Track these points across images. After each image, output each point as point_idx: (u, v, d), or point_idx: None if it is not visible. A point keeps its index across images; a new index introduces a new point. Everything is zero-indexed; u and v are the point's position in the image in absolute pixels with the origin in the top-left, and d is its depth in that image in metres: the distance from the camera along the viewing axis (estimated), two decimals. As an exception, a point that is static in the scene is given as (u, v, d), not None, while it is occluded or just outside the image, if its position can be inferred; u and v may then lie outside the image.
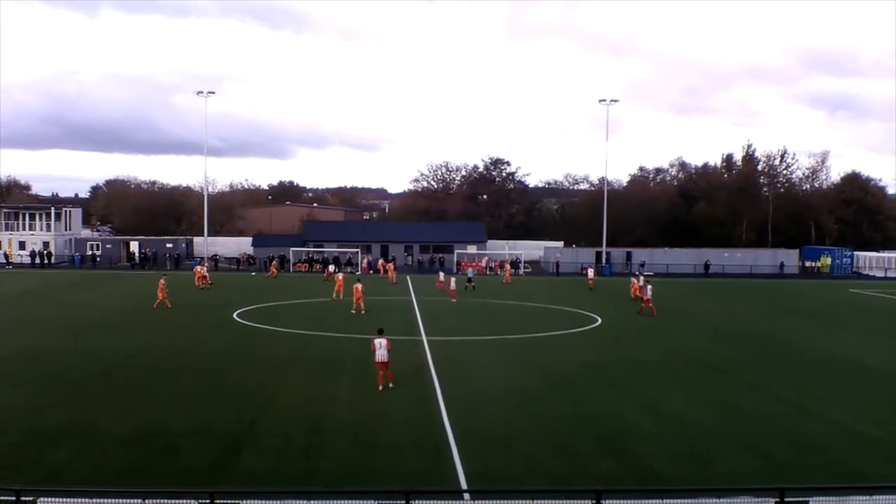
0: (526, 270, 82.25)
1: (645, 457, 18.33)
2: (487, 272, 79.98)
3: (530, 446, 19.00)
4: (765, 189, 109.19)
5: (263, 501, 12.19)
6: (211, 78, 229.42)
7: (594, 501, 11.49)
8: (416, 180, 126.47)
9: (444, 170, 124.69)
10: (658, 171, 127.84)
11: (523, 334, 37.20)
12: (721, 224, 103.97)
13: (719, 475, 17.03)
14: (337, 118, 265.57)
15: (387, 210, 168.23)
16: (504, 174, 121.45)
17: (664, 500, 12.88)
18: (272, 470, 16.88)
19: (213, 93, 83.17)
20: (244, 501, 12.09)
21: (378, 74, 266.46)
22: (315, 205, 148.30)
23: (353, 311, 43.36)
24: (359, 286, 44.54)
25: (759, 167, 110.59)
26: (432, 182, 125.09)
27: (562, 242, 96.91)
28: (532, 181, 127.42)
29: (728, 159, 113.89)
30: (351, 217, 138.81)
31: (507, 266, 72.78)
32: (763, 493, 12.58)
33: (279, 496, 12.36)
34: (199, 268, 62.23)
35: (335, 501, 12.15)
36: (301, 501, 12.06)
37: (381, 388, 24.45)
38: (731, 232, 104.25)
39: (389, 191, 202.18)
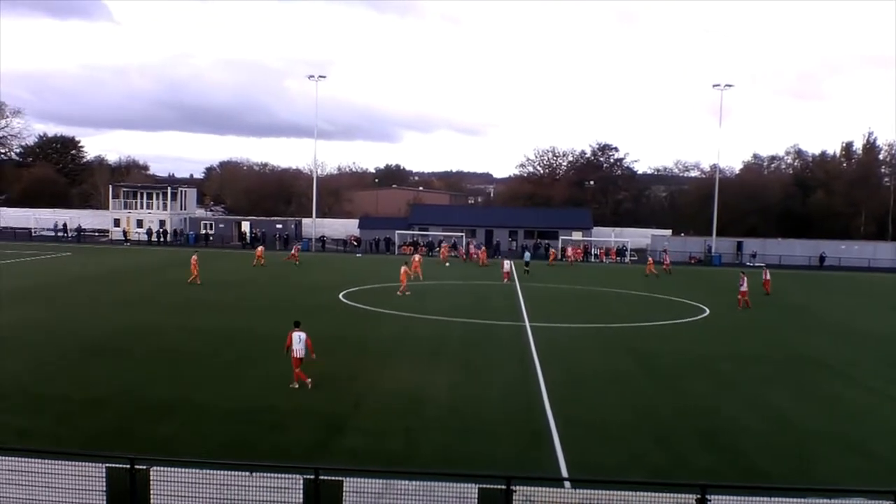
0: (632, 258, 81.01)
1: (748, 453, 17.80)
2: (592, 259, 79.15)
3: (631, 437, 18.70)
4: (886, 179, 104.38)
5: (365, 479, 12.31)
6: (320, 62, 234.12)
7: (699, 496, 11.19)
8: (522, 165, 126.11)
9: (550, 155, 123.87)
10: (772, 158, 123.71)
11: (628, 323, 36.64)
12: (838, 215, 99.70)
13: (824, 475, 16.41)
14: (443, 102, 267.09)
15: (492, 195, 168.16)
16: (612, 160, 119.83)
17: (772, 499, 12.46)
18: (373, 450, 17.08)
19: (323, 77, 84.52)
20: (347, 479, 12.26)
21: (484, 58, 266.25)
22: (421, 188, 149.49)
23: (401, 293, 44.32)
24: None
25: (881, 156, 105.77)
26: (538, 167, 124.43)
27: (670, 231, 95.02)
28: (640, 167, 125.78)
29: (847, 148, 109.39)
30: (456, 201, 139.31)
31: (650, 259, 66.83)
32: (877, 495, 12.03)
33: (380, 475, 12.48)
34: (260, 248, 63.11)
35: (435, 483, 12.17)
36: (402, 481, 12.16)
37: (296, 384, 22.31)
38: (849, 224, 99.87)
39: (495, 175, 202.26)
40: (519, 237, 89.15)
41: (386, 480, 12.26)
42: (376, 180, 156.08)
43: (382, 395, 22.07)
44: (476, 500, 11.93)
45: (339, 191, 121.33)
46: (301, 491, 12.25)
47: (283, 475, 12.44)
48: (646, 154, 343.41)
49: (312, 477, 12.14)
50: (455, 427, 19.10)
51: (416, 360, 26.63)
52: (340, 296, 42.89)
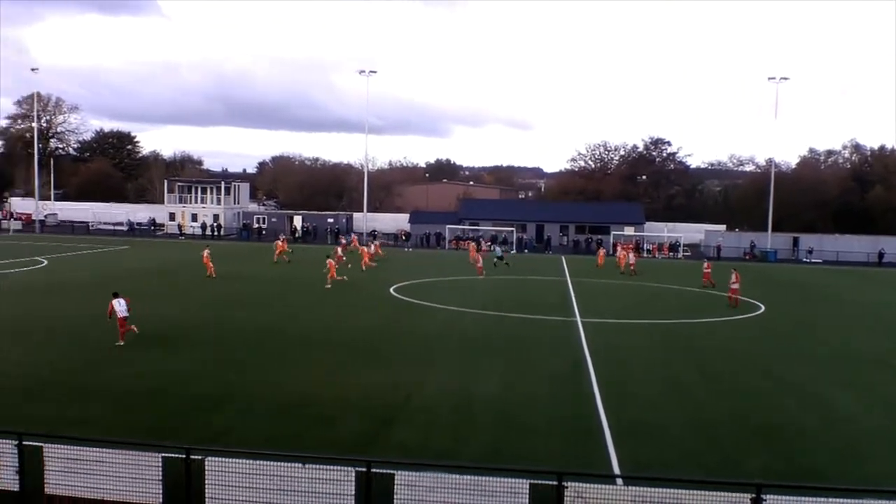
0: (685, 254, 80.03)
1: (803, 453, 17.47)
2: (645, 255, 78.35)
3: (684, 435, 18.47)
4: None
5: (416, 473, 12.33)
6: (370, 57, 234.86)
7: (754, 496, 11.00)
8: (573, 160, 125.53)
9: (601, 149, 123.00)
10: (829, 153, 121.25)
11: (682, 319, 36.21)
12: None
13: (882, 475, 16.05)
14: (493, 96, 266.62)
15: (542, 189, 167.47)
16: (664, 154, 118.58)
17: (828, 499, 12.20)
18: (422, 444, 17.11)
19: (374, 72, 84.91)
20: (398, 472, 12.29)
21: (534, 51, 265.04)
22: (471, 183, 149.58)
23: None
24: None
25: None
26: (589, 161, 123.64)
27: (724, 226, 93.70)
28: (693, 162, 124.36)
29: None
30: (506, 196, 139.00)
31: (707, 265, 63.95)
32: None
33: (432, 469, 12.48)
34: (279, 241, 60.12)
35: (485, 477, 12.14)
36: (453, 475, 12.14)
37: (121, 343, 26.42)
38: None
39: (545, 170, 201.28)
40: (570, 232, 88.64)
41: (437, 474, 12.24)
42: (427, 175, 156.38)
43: (432, 389, 22.10)
44: (527, 496, 11.88)
45: (389, 185, 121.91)
46: (353, 483, 12.32)
47: (335, 467, 12.49)
48: (699, 148, 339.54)
49: (364, 469, 12.20)
50: (505, 422, 19.04)
51: (465, 355, 26.61)
52: (391, 290, 43.06)
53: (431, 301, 39.05)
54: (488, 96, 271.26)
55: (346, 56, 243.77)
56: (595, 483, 12.05)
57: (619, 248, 71.99)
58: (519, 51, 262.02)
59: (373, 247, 62.60)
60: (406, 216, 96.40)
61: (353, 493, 12.30)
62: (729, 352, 28.63)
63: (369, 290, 43.31)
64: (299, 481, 12.46)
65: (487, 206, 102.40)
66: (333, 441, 16.95)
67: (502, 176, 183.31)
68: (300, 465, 12.55)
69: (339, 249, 56.55)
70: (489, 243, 76.40)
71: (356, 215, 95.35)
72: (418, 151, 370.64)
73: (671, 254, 79.85)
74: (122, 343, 26.52)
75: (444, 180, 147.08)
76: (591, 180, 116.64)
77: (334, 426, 18.43)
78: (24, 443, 13.19)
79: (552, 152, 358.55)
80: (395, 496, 12.20)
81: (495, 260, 58.81)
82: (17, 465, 13.12)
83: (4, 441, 13.29)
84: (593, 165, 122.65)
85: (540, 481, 11.86)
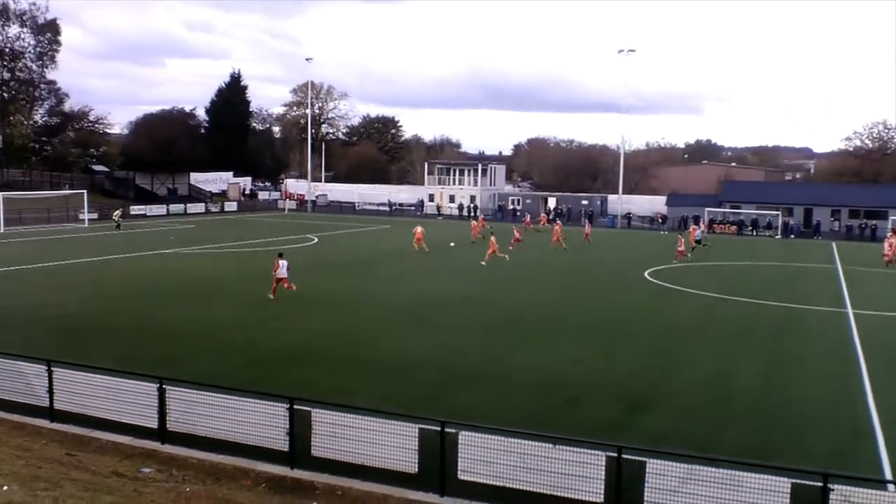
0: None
1: None
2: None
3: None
4: None
5: (668, 463, 12.03)
6: (625, 36, 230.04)
7: None
8: (848, 139, 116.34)
9: (881, 127, 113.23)
10: None
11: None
12: None
13: None
14: (756, 72, 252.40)
15: (811, 171, 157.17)
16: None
17: None
18: (675, 432, 16.67)
19: (633, 51, 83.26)
20: (650, 460, 12.07)
21: (800, 23, 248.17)
22: (733, 164, 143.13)
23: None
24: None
25: None
26: (866, 141, 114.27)
27: None
28: None
29: None
30: (771, 177, 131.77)
31: None
32: None
33: (685, 460, 12.14)
34: (417, 228, 54.55)
35: (743, 473, 11.62)
36: (707, 468, 11.75)
37: (272, 296, 30.94)
38: None
39: (815, 150, 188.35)
40: (842, 216, 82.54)
41: (690, 466, 11.89)
42: (685, 156, 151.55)
43: (685, 376, 21.51)
44: (787, 496, 11.27)
45: (645, 167, 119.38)
46: (602, 468, 12.26)
47: (585, 450, 12.48)
48: None
49: (615, 455, 12.09)
50: (764, 416, 18.14)
51: (721, 343, 25.59)
52: (646, 274, 42.23)
53: (687, 286, 37.85)
54: (751, 72, 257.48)
55: (603, 35, 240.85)
56: (864, 488, 11.21)
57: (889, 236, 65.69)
58: (783, 23, 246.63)
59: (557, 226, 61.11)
60: (662, 198, 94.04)
61: (603, 477, 12.23)
62: None
63: (623, 273, 42.78)
64: (548, 461, 12.57)
65: (750, 188, 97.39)
66: (584, 424, 16.90)
67: (766, 156, 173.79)
68: (550, 445, 12.65)
69: (516, 231, 55.79)
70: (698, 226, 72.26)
71: (611, 197, 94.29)
72: (677, 132, 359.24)
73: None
74: (272, 297, 30.87)
75: (704, 161, 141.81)
76: (868, 161, 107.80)
77: (585, 408, 18.42)
78: (295, 407, 14.28)
79: (823, 131, 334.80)
80: (645, 484, 12.01)
81: (693, 244, 55.41)
82: (287, 427, 14.23)
83: (277, 404, 14.45)
84: (871, 145, 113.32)
85: (802, 481, 11.21)
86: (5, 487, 9.32)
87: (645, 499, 11.98)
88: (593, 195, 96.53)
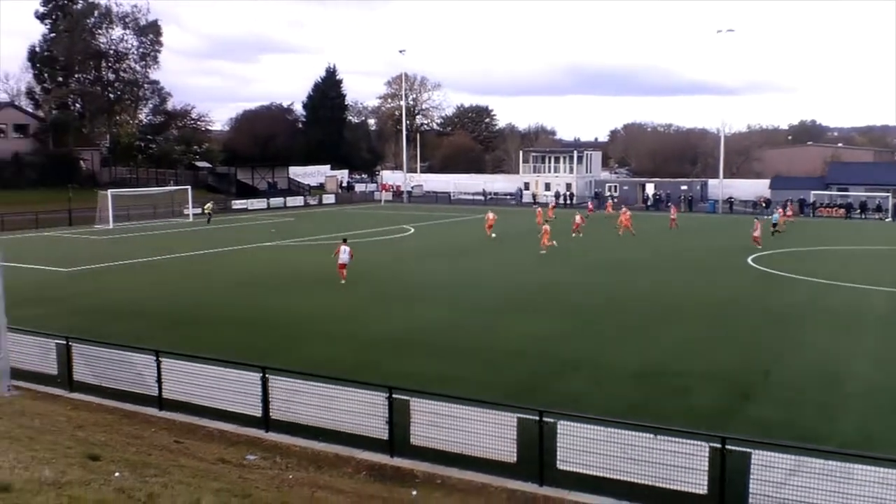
0: None
1: None
2: None
3: None
4: None
5: (775, 454, 11.66)
6: (723, 14, 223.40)
7: None
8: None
9: None
10: None
11: None
12: None
13: None
14: (859, 48, 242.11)
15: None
16: None
17: None
18: (783, 422, 16.18)
19: (732, 30, 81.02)
20: (755, 452, 11.73)
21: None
22: (839, 145, 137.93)
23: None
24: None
25: None
26: None
27: None
28: None
29: None
30: (881, 158, 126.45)
31: None
32: None
33: (793, 451, 11.74)
34: (489, 214, 54.93)
35: (854, 465, 11.18)
36: (817, 460, 11.35)
37: (343, 281, 32.16)
38: None
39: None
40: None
41: (798, 457, 11.49)
42: (789, 138, 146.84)
43: (794, 364, 20.83)
44: (904, 489, 10.79)
45: (747, 150, 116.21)
46: (706, 458, 11.98)
47: (687, 440, 12.21)
48: None
49: (719, 446, 11.79)
50: (879, 406, 17.41)
51: (830, 330, 24.66)
52: (749, 259, 41.07)
53: (793, 272, 36.65)
54: (857, 50, 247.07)
55: (701, 15, 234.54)
56: None
57: None
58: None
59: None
60: (765, 182, 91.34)
61: (706, 468, 11.96)
62: None
63: (725, 258, 41.75)
64: (650, 452, 12.36)
65: (858, 169, 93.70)
66: (688, 413, 16.51)
67: (875, 137, 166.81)
68: (651, 435, 12.43)
69: (578, 217, 54.76)
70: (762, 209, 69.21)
71: (711, 182, 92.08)
72: (778, 113, 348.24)
73: None
74: (343, 281, 32.19)
75: (809, 143, 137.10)
76: None
77: (689, 397, 18.04)
78: (394, 396, 14.39)
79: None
80: (750, 476, 11.68)
81: (772, 229, 53.21)
82: (387, 415, 14.36)
83: (377, 393, 14.60)
84: None
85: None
86: (117, 473, 9.66)
87: (750, 491, 11.66)
88: (693, 180, 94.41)
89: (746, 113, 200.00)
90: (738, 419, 16.42)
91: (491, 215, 53.56)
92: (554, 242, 44.14)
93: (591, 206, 73.75)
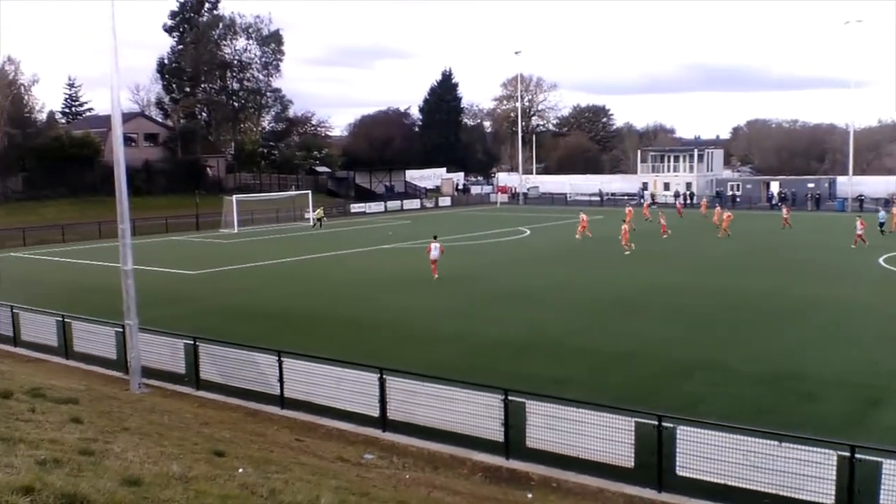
0: None
1: None
2: None
3: None
4: None
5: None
6: (849, 5, 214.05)
7: None
8: None
9: None
10: None
11: None
12: None
13: None
14: None
15: None
16: None
17: None
18: (918, 431, 15.38)
19: (860, 21, 77.75)
20: (886, 461, 11.22)
21: None
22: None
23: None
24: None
25: None
26: None
27: None
28: None
29: None
30: None
31: None
32: None
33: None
34: (583, 217, 54.03)
35: None
36: (954, 472, 10.77)
37: (436, 276, 33.72)
38: None
39: None
40: None
41: (934, 468, 10.93)
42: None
43: (930, 371, 19.77)
44: None
45: (879, 145, 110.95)
46: (833, 467, 11.53)
47: (814, 448, 11.77)
48: None
49: (847, 454, 11.33)
50: None
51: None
52: (880, 260, 39.18)
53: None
54: None
55: (826, 5, 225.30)
56: None
57: None
58: None
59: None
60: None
61: (834, 477, 11.50)
62: None
63: (852, 258, 39.98)
64: (774, 459, 12.00)
65: None
66: (814, 419, 15.90)
67: None
68: (776, 442, 12.05)
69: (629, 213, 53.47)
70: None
71: (839, 179, 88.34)
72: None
73: None
74: (436, 277, 33.68)
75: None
76: None
77: (815, 403, 17.39)
78: (510, 398, 14.40)
79: None
80: (881, 486, 11.18)
81: (879, 228, 50.07)
82: (502, 417, 14.38)
83: (493, 395, 14.64)
84: None
85: None
86: (240, 469, 9.99)
87: (881, 502, 11.14)
88: (820, 177, 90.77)
89: (877, 107, 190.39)
90: (869, 426, 15.74)
91: (584, 216, 53.60)
92: (632, 245, 43.44)
93: (679, 206, 72.93)
